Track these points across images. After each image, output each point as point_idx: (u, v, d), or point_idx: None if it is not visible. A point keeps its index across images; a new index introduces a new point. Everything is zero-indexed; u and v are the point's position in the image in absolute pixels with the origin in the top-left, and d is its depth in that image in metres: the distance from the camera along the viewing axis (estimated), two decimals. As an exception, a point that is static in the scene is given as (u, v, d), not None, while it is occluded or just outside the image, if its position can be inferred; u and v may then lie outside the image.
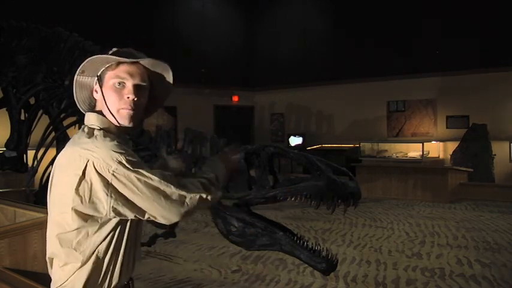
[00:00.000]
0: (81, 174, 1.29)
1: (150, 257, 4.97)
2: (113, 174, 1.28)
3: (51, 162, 3.84)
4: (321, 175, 2.05)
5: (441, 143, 11.32)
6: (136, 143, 3.29)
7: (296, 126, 13.98)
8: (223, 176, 1.56)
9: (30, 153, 4.65)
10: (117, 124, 1.42)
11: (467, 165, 9.82)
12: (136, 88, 1.41)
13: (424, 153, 11.02)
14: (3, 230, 3.14)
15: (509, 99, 10.47)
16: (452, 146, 10.84)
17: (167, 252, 5.17)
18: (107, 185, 1.28)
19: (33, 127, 4.83)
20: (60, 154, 1.37)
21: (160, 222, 1.36)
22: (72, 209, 1.30)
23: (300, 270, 4.49)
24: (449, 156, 10.78)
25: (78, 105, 1.49)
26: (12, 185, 7.50)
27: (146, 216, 1.33)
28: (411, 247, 5.45)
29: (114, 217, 1.32)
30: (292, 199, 2.08)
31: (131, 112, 1.40)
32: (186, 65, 12.53)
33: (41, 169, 4.22)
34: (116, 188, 1.28)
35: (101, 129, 1.39)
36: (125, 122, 1.41)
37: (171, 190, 1.31)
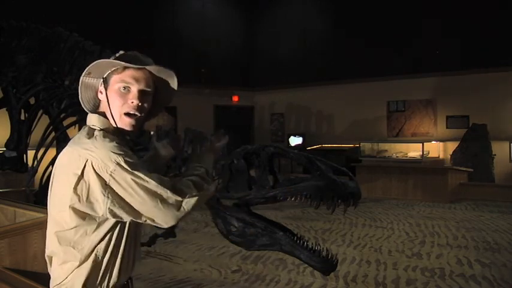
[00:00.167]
0: (79, 173, 1.30)
1: (150, 257, 4.97)
2: (111, 175, 1.29)
3: (51, 162, 3.86)
4: (321, 175, 2.05)
5: (441, 143, 11.32)
6: (136, 143, 3.29)
7: (296, 126, 13.98)
8: (211, 165, 1.59)
9: (30, 153, 4.65)
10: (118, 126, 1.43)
11: (467, 165, 9.82)
12: (141, 93, 1.43)
13: (424, 153, 11.02)
14: (3, 230, 3.14)
15: (509, 99, 10.47)
16: (452, 146, 10.84)
17: (167, 252, 5.17)
18: (105, 185, 1.29)
19: (33, 127, 4.83)
20: (61, 153, 1.38)
21: (157, 225, 1.36)
22: (69, 207, 1.32)
23: (300, 270, 4.49)
24: (449, 156, 10.78)
25: (82, 104, 1.51)
26: (12, 185, 7.51)
27: (143, 218, 1.33)
28: (411, 247, 5.45)
29: (111, 217, 1.33)
30: (292, 199, 2.08)
31: (133, 121, 1.43)
32: (186, 65, 12.54)
33: (41, 169, 4.22)
34: (113, 189, 1.29)
35: (101, 130, 1.40)
36: (126, 127, 1.43)
37: (168, 194, 1.32)
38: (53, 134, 4.43)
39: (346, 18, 12.71)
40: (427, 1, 11.14)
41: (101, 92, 1.45)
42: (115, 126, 1.43)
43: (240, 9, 14.72)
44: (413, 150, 11.34)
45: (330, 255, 2.07)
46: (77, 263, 1.34)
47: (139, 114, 1.43)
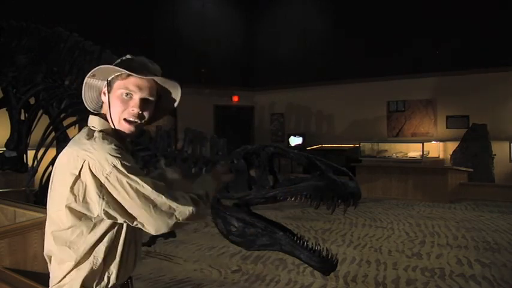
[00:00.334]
0: (77, 173, 1.31)
1: (150, 257, 4.97)
2: (107, 177, 1.29)
3: (51, 162, 3.86)
4: (321, 175, 2.05)
5: (441, 143, 11.32)
6: (136, 143, 3.29)
7: (296, 126, 13.98)
8: (213, 193, 1.57)
9: (30, 153, 4.65)
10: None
11: (467, 165, 9.82)
12: (143, 102, 1.44)
13: (424, 153, 11.02)
14: (3, 230, 3.14)
15: (509, 99, 10.47)
16: (452, 146, 10.84)
17: (167, 252, 5.17)
18: (100, 187, 1.30)
19: (33, 127, 4.83)
20: (60, 154, 1.39)
21: (148, 231, 1.35)
22: (66, 206, 1.33)
23: (300, 270, 4.49)
24: (449, 156, 10.78)
25: (85, 104, 1.52)
26: (12, 185, 7.51)
27: (135, 223, 1.33)
28: (411, 247, 5.45)
29: (106, 218, 1.34)
30: (292, 199, 2.08)
31: (132, 127, 1.44)
32: (186, 65, 12.54)
33: (41, 169, 4.22)
34: (108, 191, 1.30)
35: (101, 131, 1.41)
36: (124, 131, 1.44)
37: (162, 200, 1.32)
38: (53, 134, 4.43)
39: (346, 18, 12.71)
40: (427, 1, 11.14)
41: (104, 94, 1.46)
42: (114, 128, 1.44)
43: (240, 9, 14.72)
44: (413, 150, 11.34)
45: (329, 255, 2.07)
46: (73, 263, 1.35)
47: (138, 122, 1.44)
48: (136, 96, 1.42)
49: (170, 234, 3.55)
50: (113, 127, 1.43)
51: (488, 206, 8.34)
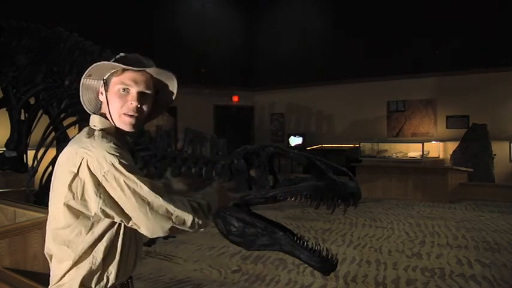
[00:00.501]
0: (75, 171, 1.31)
1: (150, 257, 4.97)
2: (104, 176, 1.29)
3: (51, 162, 3.87)
4: (321, 175, 2.05)
5: (441, 143, 11.32)
6: (136, 143, 3.29)
7: (296, 126, 13.98)
8: (215, 207, 1.52)
9: (30, 153, 4.65)
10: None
11: (467, 165, 9.82)
12: (140, 95, 1.43)
13: (424, 153, 11.02)
14: (3, 230, 3.15)
15: (509, 99, 10.47)
16: (452, 146, 10.84)
17: (167, 252, 5.17)
18: (98, 185, 1.30)
19: (33, 127, 4.83)
20: (61, 153, 1.40)
21: (143, 233, 1.34)
22: (64, 204, 1.33)
23: (300, 270, 4.49)
24: (449, 156, 10.77)
25: (84, 105, 1.52)
26: (12, 185, 7.51)
27: (130, 223, 1.32)
28: (411, 247, 5.45)
29: (104, 217, 1.33)
30: (292, 199, 2.08)
31: (132, 120, 1.43)
32: (186, 65, 12.54)
33: (41, 169, 4.23)
34: (105, 189, 1.30)
35: (102, 130, 1.41)
36: (125, 128, 1.44)
37: (159, 203, 1.30)
38: (53, 134, 4.44)
39: (346, 18, 12.71)
40: (427, 1, 11.14)
41: (102, 94, 1.46)
42: (115, 127, 1.44)
43: (240, 9, 14.72)
44: (413, 150, 11.34)
45: (329, 255, 2.08)
46: (71, 262, 1.35)
47: (138, 115, 1.44)
48: (133, 90, 1.42)
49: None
50: (113, 124, 1.43)
51: (488, 206, 8.34)
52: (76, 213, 1.33)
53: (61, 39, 4.86)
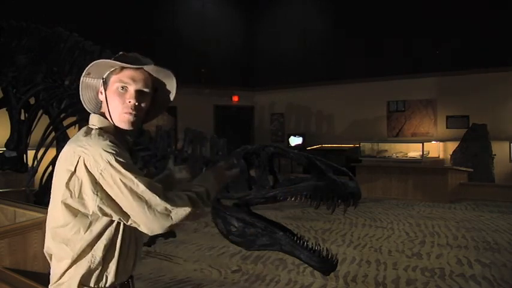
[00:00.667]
0: (73, 170, 1.32)
1: (150, 257, 4.97)
2: (101, 174, 1.29)
3: (51, 162, 3.87)
4: (321, 175, 2.05)
5: (441, 143, 11.32)
6: (136, 143, 3.29)
7: (296, 126, 13.98)
8: (215, 190, 1.52)
9: (30, 153, 4.65)
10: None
11: (467, 165, 9.82)
12: (139, 93, 1.44)
13: (424, 153, 11.02)
14: (3, 230, 3.15)
15: (509, 99, 10.47)
16: (452, 146, 10.84)
17: (167, 252, 5.17)
18: (95, 183, 1.30)
19: (33, 127, 4.83)
20: (61, 151, 1.40)
21: (142, 231, 1.34)
22: (61, 202, 1.33)
23: (300, 270, 4.49)
24: (449, 156, 10.77)
25: (84, 104, 1.52)
26: (12, 185, 7.51)
27: (129, 221, 1.32)
28: (411, 247, 5.45)
29: (101, 215, 1.33)
30: (292, 199, 2.08)
31: (131, 118, 1.43)
32: (186, 65, 12.54)
33: (41, 169, 4.22)
34: (102, 187, 1.30)
35: (100, 128, 1.41)
36: (124, 126, 1.44)
37: (156, 201, 1.29)
38: (53, 134, 4.43)
39: (346, 18, 12.71)
40: (427, 1, 11.14)
41: (101, 93, 1.46)
42: (114, 125, 1.44)
43: (240, 9, 14.72)
44: (413, 150, 11.34)
45: (329, 255, 2.08)
46: (70, 261, 1.35)
47: (136, 113, 1.44)
48: (132, 88, 1.43)
49: (170, 234, 3.55)
50: (112, 123, 1.43)
51: (488, 206, 8.34)
52: (74, 212, 1.33)
53: (61, 39, 4.86)
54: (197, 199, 1.37)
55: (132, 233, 1.43)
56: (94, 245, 1.36)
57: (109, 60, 1.42)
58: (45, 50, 4.87)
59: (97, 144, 1.32)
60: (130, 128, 1.44)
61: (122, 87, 1.42)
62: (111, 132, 1.42)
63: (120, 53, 1.48)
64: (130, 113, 1.42)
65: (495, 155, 10.19)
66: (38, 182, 4.38)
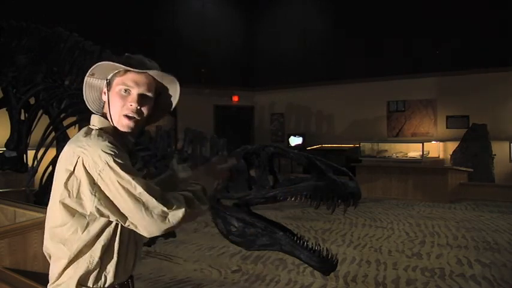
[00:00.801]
0: (72, 170, 1.32)
1: (150, 257, 4.97)
2: (99, 174, 1.29)
3: (51, 162, 3.86)
4: (321, 175, 2.05)
5: (441, 143, 11.32)
6: (136, 143, 3.29)
7: (296, 126, 13.98)
8: (211, 187, 1.52)
9: (30, 153, 4.65)
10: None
11: (467, 165, 9.82)
12: (141, 97, 1.43)
13: (424, 153, 11.02)
14: (3, 230, 3.15)
15: (509, 99, 10.47)
16: (452, 146, 10.84)
17: (167, 252, 5.17)
18: (93, 184, 1.29)
19: (33, 127, 4.83)
20: (62, 152, 1.40)
21: (140, 233, 1.34)
22: (60, 202, 1.33)
23: (300, 270, 4.49)
24: (449, 156, 10.78)
25: (87, 104, 1.52)
26: (12, 185, 7.51)
27: (127, 223, 1.31)
28: (411, 247, 5.45)
29: (99, 216, 1.33)
30: (292, 199, 2.08)
31: (131, 123, 1.43)
32: (186, 65, 12.54)
33: (41, 169, 4.22)
34: (100, 188, 1.29)
35: (100, 129, 1.41)
36: (122, 129, 1.44)
37: (154, 204, 1.29)
38: (53, 134, 4.43)
39: (346, 18, 12.71)
40: (427, 1, 11.14)
41: (105, 94, 1.46)
42: (113, 126, 1.44)
43: (240, 9, 14.72)
44: (413, 150, 11.34)
45: (329, 255, 2.07)
46: (67, 261, 1.35)
47: (137, 117, 1.43)
48: (134, 92, 1.42)
49: (170, 234, 3.55)
50: (112, 124, 1.43)
51: (488, 206, 8.34)
52: (72, 212, 1.33)
53: (61, 39, 4.86)
54: (194, 198, 1.37)
55: (131, 234, 1.43)
56: (92, 246, 1.35)
57: (113, 63, 1.42)
58: (45, 50, 4.88)
59: (96, 144, 1.32)
60: (129, 131, 1.45)
61: (125, 90, 1.42)
62: (112, 133, 1.41)
63: (126, 54, 1.47)
64: (130, 117, 1.42)
65: (495, 155, 10.19)
66: (38, 182, 4.38)
